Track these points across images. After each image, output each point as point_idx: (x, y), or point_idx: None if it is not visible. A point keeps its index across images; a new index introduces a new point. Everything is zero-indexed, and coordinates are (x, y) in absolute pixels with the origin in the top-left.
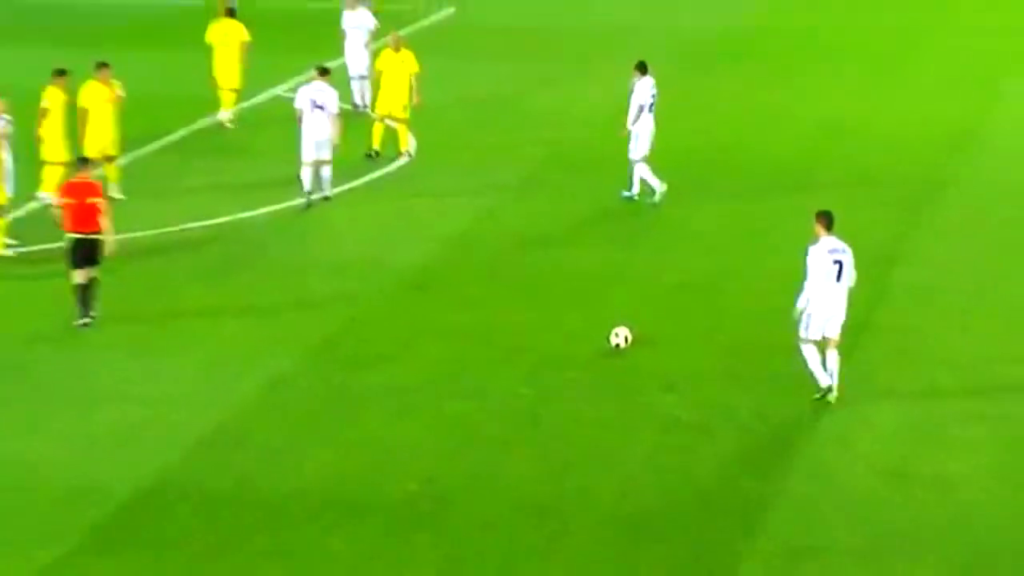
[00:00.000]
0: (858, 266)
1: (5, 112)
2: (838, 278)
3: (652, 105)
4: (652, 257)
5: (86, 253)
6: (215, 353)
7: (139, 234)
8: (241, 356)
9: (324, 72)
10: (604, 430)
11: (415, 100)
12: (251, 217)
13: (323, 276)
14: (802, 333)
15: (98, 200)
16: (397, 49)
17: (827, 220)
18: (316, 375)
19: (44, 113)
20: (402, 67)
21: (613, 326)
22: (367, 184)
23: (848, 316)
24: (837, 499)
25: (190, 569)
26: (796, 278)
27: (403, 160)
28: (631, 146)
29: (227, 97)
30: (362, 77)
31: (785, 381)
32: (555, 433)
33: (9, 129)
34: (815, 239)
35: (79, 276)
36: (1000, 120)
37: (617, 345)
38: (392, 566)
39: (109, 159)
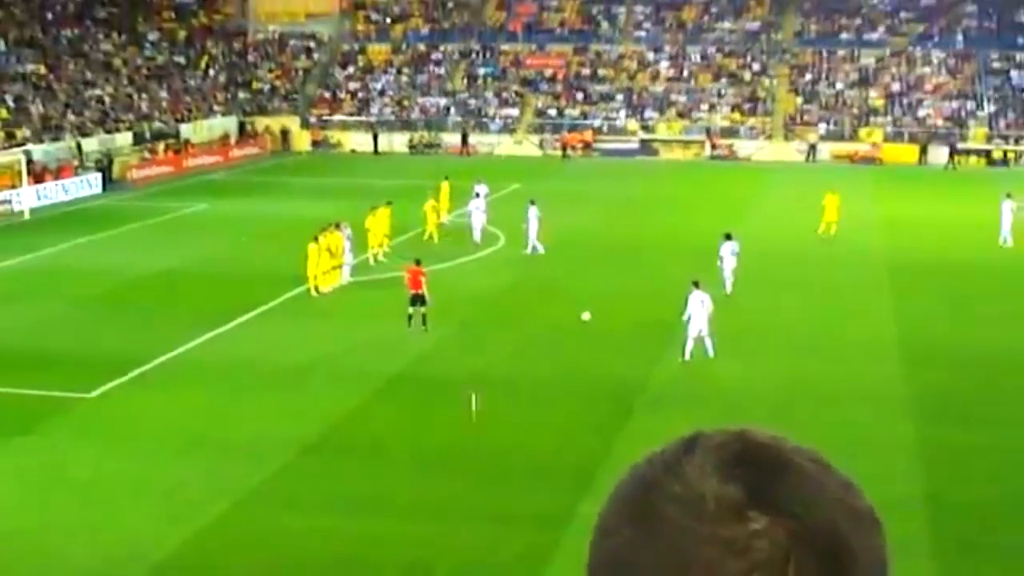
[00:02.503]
0: (678, 290)
1: (347, 227)
2: (703, 308)
3: (535, 218)
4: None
5: (417, 300)
6: (447, 317)
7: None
8: (453, 315)
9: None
10: (605, 351)
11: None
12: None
13: (483, 282)
14: (688, 331)
15: (422, 276)
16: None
17: (696, 283)
18: (492, 320)
19: (371, 223)
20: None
21: (583, 311)
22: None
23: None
24: (684, 380)
25: (435, 386)
26: (671, 292)
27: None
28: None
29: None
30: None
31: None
32: (589, 347)
33: (350, 233)
34: (691, 291)
35: (413, 311)
36: (748, 223)
37: (583, 319)
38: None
39: (382, 244)
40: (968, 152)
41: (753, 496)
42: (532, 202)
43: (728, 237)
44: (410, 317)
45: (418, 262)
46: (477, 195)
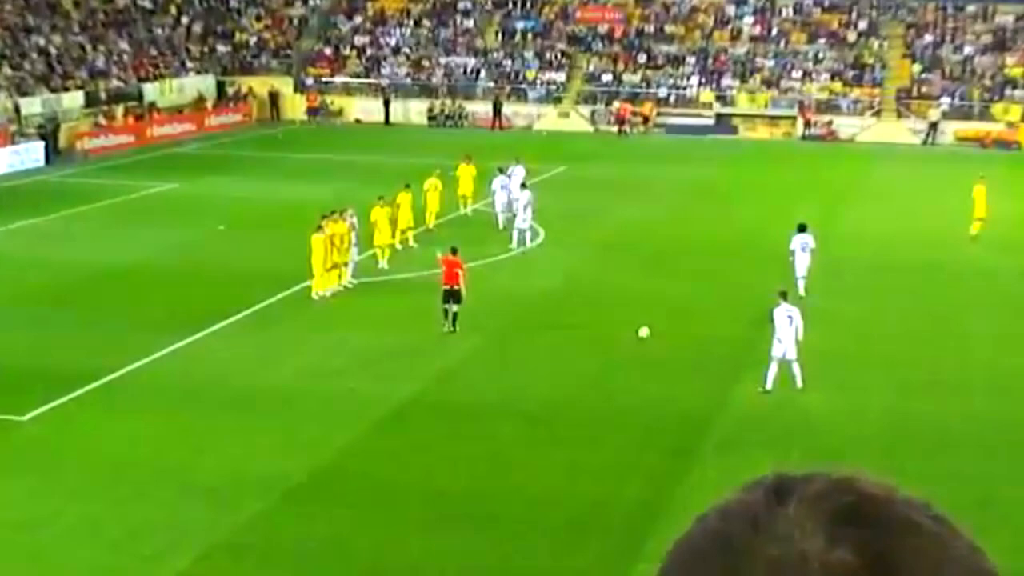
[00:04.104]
0: (759, 301)
1: (353, 215)
2: (790, 325)
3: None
4: (659, 285)
5: (452, 296)
6: (472, 328)
7: (416, 274)
8: (480, 326)
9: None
10: (666, 377)
11: None
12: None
13: (518, 285)
14: (772, 353)
15: (460, 269)
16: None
17: (784, 294)
18: (527, 335)
19: (390, 208)
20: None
21: (640, 326)
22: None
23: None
24: (763, 415)
25: (456, 414)
26: (749, 304)
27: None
28: (519, 219)
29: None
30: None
31: (738, 350)
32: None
33: (355, 222)
34: (778, 303)
35: (448, 308)
36: (848, 221)
37: (640, 336)
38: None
39: (404, 233)
40: None
41: (869, 562)
42: (522, 184)
43: (802, 229)
44: (445, 313)
45: (454, 251)
46: (500, 171)
